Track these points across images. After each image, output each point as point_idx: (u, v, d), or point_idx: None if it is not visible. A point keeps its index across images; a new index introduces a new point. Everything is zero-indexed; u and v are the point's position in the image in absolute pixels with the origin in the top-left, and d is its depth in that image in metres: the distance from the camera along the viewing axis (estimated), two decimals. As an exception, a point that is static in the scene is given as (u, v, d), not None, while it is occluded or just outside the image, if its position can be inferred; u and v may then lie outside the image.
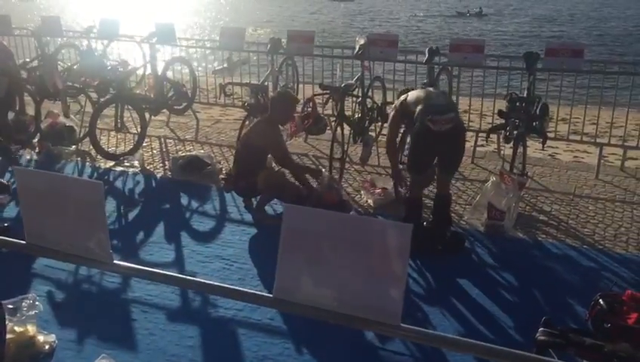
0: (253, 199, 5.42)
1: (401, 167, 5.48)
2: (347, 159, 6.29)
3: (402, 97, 4.91)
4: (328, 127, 6.64)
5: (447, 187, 4.94)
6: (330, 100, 6.44)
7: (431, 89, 5.14)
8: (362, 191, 5.76)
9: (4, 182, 5.22)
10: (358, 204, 5.65)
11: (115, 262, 1.93)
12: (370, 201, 5.59)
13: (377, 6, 57.75)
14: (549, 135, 6.01)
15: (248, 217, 5.32)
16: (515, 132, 5.38)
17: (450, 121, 4.51)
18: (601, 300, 2.47)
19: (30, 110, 7.20)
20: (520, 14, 48.13)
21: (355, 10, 52.22)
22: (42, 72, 7.28)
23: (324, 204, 4.86)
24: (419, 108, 4.62)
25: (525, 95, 5.78)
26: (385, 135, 6.66)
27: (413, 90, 5.15)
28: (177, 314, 3.87)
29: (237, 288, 1.90)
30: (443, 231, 4.80)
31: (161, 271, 1.94)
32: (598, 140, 6.87)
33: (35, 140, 6.99)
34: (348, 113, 6.41)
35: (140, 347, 3.53)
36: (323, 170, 5.65)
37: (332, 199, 5.11)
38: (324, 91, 6.24)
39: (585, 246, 4.80)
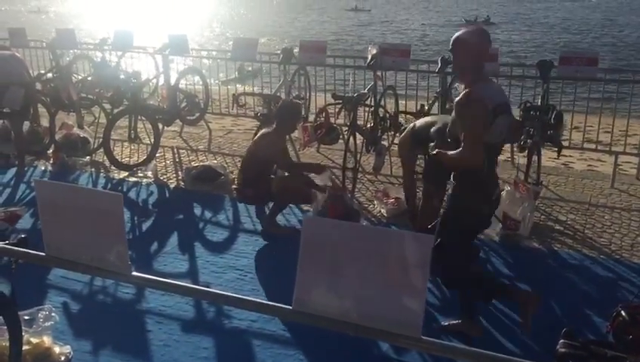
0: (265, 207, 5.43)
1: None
2: (360, 169, 6.28)
3: (411, 124, 4.87)
4: (341, 137, 6.65)
5: None
6: (343, 110, 6.44)
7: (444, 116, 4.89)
8: (375, 201, 5.74)
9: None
10: (372, 213, 5.63)
11: (133, 273, 1.94)
12: (383, 211, 5.57)
13: (389, 16, 57.88)
14: (564, 144, 5.97)
15: (259, 227, 5.32)
16: (530, 141, 5.34)
17: None
18: (622, 311, 2.44)
19: (45, 121, 7.27)
20: (528, 22, 47.95)
21: (365, 21, 52.30)
22: (57, 83, 7.35)
23: (331, 216, 4.88)
24: (434, 128, 4.57)
25: (539, 103, 5.75)
26: (397, 145, 6.67)
27: (426, 110, 5.07)
28: (192, 326, 3.86)
29: (256, 300, 1.90)
30: None
31: (181, 283, 1.94)
32: (613, 149, 6.81)
33: (50, 151, 7.05)
34: (360, 123, 6.41)
35: (155, 358, 3.53)
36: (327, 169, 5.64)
37: (337, 211, 5.07)
38: (337, 101, 6.25)
39: (602, 256, 4.75)
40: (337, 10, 63.44)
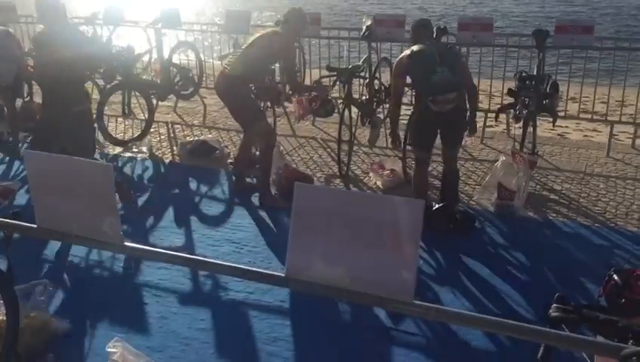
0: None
1: (409, 148, 5.50)
2: (355, 141, 6.26)
3: (405, 54, 4.77)
4: (336, 110, 6.61)
5: (454, 163, 4.93)
6: (338, 82, 6.39)
7: (434, 54, 4.64)
8: (371, 174, 5.74)
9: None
10: (367, 186, 5.64)
11: (125, 243, 1.93)
12: (379, 183, 5.58)
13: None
14: (559, 114, 5.95)
15: (256, 200, 5.32)
16: (525, 111, 5.32)
17: (451, 101, 4.52)
18: (615, 276, 2.46)
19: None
20: None
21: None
22: (48, 59, 7.26)
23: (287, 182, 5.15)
24: (421, 85, 4.64)
25: (535, 73, 5.72)
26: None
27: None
28: (189, 298, 3.88)
29: (249, 268, 1.90)
30: (453, 208, 4.80)
31: (172, 253, 1.94)
32: (608, 118, 6.79)
33: (44, 128, 7.00)
34: (355, 95, 6.37)
35: (153, 330, 3.56)
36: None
37: (291, 177, 5.18)
38: (331, 73, 6.20)
39: (596, 225, 4.77)
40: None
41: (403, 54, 4.81)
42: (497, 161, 5.30)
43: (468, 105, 4.70)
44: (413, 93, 5.72)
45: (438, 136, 4.80)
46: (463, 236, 4.62)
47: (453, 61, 4.64)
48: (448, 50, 4.83)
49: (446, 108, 4.51)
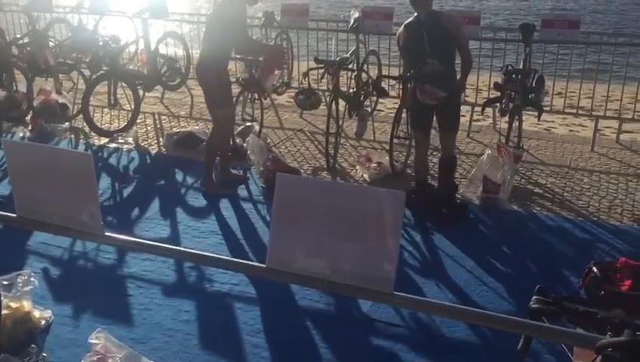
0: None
1: (396, 141, 5.54)
2: (342, 134, 6.26)
3: (401, 30, 4.81)
4: (323, 102, 6.60)
5: (451, 149, 5.02)
6: (326, 74, 6.38)
7: (423, 41, 4.59)
8: (358, 166, 5.75)
9: None
10: (354, 178, 5.64)
11: (106, 233, 1.92)
12: (365, 176, 5.58)
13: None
14: (545, 109, 5.99)
15: (243, 193, 5.31)
16: (511, 104, 5.35)
17: (438, 99, 4.61)
18: (594, 268, 2.48)
19: (22, 87, 7.13)
20: None
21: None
22: (33, 48, 7.18)
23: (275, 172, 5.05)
24: (412, 70, 4.76)
25: (521, 67, 5.74)
26: (380, 110, 6.67)
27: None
28: (173, 289, 3.88)
29: (230, 258, 1.90)
30: (448, 194, 4.90)
31: (153, 243, 1.93)
32: (593, 113, 6.84)
33: (28, 117, 6.93)
34: (343, 88, 6.36)
35: (136, 321, 3.55)
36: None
37: (279, 169, 5.13)
38: (319, 65, 6.18)
39: (580, 218, 4.81)
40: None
41: (400, 28, 4.86)
42: (483, 154, 5.33)
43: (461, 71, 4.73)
44: (401, 87, 5.73)
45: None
46: (454, 223, 4.69)
47: (442, 44, 4.55)
48: (438, 29, 4.55)
49: (431, 102, 4.59)
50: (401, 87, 5.73)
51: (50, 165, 1.94)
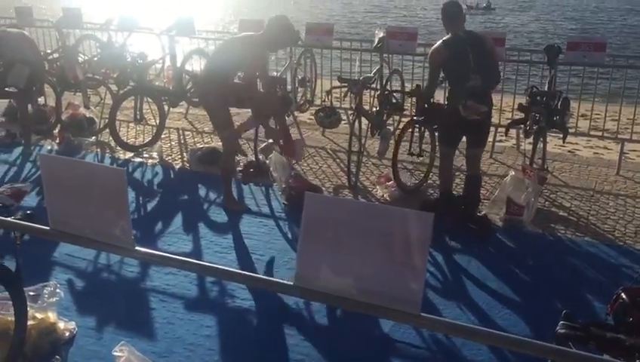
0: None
1: (410, 158, 5.62)
2: (365, 152, 6.28)
3: (440, 46, 4.84)
4: (344, 121, 6.63)
5: (477, 167, 5.09)
6: (349, 93, 6.42)
7: (468, 56, 4.73)
8: (377, 186, 5.75)
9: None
10: (375, 197, 5.64)
11: (136, 248, 1.95)
12: (386, 196, 5.58)
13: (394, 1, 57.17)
14: (570, 130, 5.95)
15: (266, 209, 5.34)
16: (536, 126, 5.32)
17: (481, 113, 4.70)
18: (623, 294, 2.44)
19: (51, 101, 7.29)
20: (531, 7, 46.99)
21: (372, 4, 51.65)
22: (63, 63, 7.35)
23: (297, 190, 5.20)
24: (455, 86, 4.84)
25: (546, 89, 5.72)
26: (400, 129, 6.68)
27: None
28: (195, 304, 3.89)
29: (258, 276, 1.92)
30: (473, 211, 4.96)
31: (181, 258, 1.96)
32: (619, 136, 6.78)
33: (56, 131, 7.07)
34: (366, 106, 6.39)
35: (159, 335, 3.57)
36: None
37: (302, 187, 5.21)
38: (343, 84, 6.23)
39: (605, 243, 4.75)
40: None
41: (438, 44, 4.89)
42: (507, 175, 5.30)
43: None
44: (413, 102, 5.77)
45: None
46: (482, 239, 4.74)
47: (484, 60, 4.74)
48: (479, 45, 4.77)
49: (473, 117, 4.68)
50: (413, 102, 5.77)
51: (84, 179, 1.98)
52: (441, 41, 4.89)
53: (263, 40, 5.02)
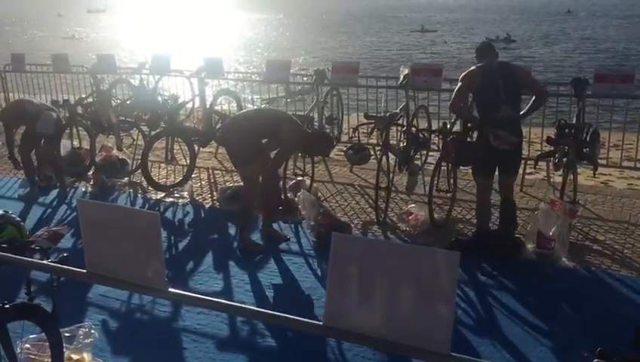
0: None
1: (436, 194, 5.69)
2: (393, 188, 6.29)
3: (472, 71, 4.96)
4: (372, 157, 6.67)
5: (511, 192, 5.16)
6: (376, 130, 6.48)
7: (499, 87, 4.81)
8: (399, 223, 5.74)
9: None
10: (404, 232, 5.63)
11: (170, 289, 2.00)
12: (409, 229, 5.58)
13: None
14: (601, 162, 5.88)
15: (295, 247, 5.37)
16: (565, 159, 5.29)
17: (512, 143, 4.76)
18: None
19: (85, 144, 7.50)
20: (555, 41, 46.70)
21: (386, 41, 51.90)
22: (97, 107, 7.58)
23: (326, 227, 5.26)
24: (486, 116, 4.86)
25: (575, 122, 5.69)
26: (430, 163, 6.70)
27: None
28: (227, 343, 3.92)
29: (287, 315, 1.94)
30: (509, 231, 5.06)
31: (214, 299, 2.00)
32: (652, 166, 6.68)
33: (90, 173, 7.25)
34: (393, 142, 6.43)
35: (191, 375, 3.59)
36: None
37: (331, 224, 5.29)
38: (369, 121, 6.29)
39: (641, 277, 4.64)
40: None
41: (472, 68, 5.02)
42: (537, 209, 5.25)
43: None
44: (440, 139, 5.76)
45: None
46: (511, 258, 4.84)
47: (514, 89, 4.83)
48: (511, 76, 4.88)
49: (504, 147, 4.72)
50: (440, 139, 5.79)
51: (120, 223, 2.05)
52: (475, 66, 5.01)
53: (303, 135, 5.39)
